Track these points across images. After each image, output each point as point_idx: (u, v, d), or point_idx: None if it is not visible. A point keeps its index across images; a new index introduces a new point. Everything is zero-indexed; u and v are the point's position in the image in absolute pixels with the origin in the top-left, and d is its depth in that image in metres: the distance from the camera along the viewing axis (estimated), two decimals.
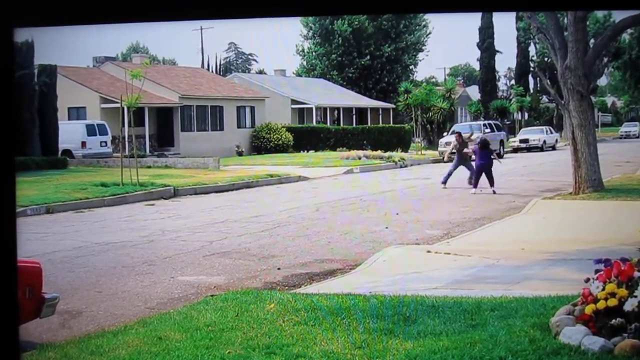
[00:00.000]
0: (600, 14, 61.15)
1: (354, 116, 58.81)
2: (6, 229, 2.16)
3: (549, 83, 28.15)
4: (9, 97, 2.13)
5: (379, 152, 39.41)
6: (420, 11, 2.26)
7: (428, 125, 56.49)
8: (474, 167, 22.63)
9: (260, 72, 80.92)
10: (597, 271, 6.75)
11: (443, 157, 39.76)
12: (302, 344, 6.70)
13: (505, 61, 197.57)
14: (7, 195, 2.15)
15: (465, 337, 6.61)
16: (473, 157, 22.92)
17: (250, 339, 6.93)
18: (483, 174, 22.03)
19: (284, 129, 48.51)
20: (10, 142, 2.13)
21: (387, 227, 15.44)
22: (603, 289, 6.48)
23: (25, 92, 31.35)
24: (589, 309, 6.45)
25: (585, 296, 6.64)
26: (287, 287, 10.17)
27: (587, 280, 6.77)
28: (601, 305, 6.37)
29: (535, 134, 51.52)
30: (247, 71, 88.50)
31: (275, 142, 47.36)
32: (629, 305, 6.26)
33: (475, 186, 22.20)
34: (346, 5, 2.15)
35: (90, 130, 37.78)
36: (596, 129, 25.41)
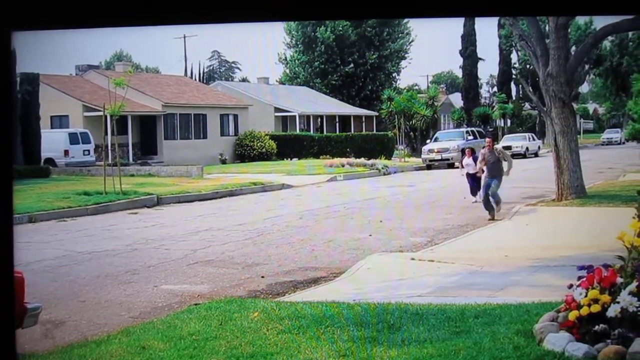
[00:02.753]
0: (581, 21, 61.58)
1: (337, 124, 58.85)
2: (3, 239, 2.14)
3: (531, 90, 28.26)
4: (8, 102, 2.11)
5: (362, 160, 39.48)
6: (405, 16, 2.26)
7: (411, 133, 56.60)
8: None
9: (244, 80, 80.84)
10: (579, 278, 6.78)
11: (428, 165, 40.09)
12: (286, 353, 6.68)
13: (488, 68, 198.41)
14: (4, 206, 2.13)
15: (450, 345, 6.62)
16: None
17: (234, 347, 6.91)
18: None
19: (268, 137, 48.46)
20: (8, 149, 2.11)
21: (370, 235, 15.44)
22: (586, 296, 6.50)
23: None
24: (572, 316, 6.47)
25: (569, 303, 6.66)
26: (271, 296, 10.15)
27: (570, 286, 6.79)
28: (584, 311, 6.40)
29: (517, 141, 51.65)
30: (230, 79, 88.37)
31: (259, 150, 47.30)
32: (612, 312, 6.29)
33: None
34: (331, 10, 2.15)
35: (73, 138, 37.63)
36: (578, 136, 25.55)
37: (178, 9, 2.14)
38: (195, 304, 9.34)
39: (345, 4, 2.17)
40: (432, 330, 7.14)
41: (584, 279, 6.69)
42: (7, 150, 2.15)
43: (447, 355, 6.33)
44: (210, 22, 2.20)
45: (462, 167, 22.01)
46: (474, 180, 20.89)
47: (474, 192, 21.04)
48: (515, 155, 48.90)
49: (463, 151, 22.73)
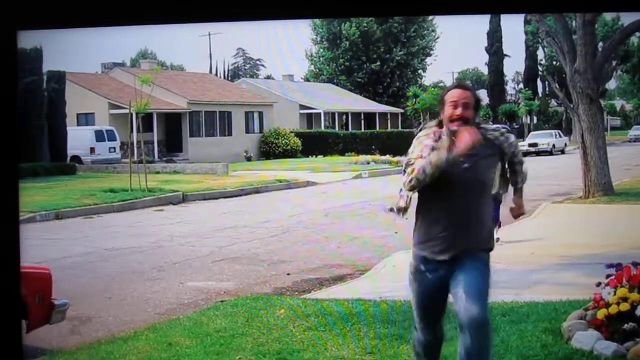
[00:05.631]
0: (608, 17, 61.03)
1: (363, 121, 58.74)
2: (10, 235, 2.15)
3: (558, 87, 28.00)
4: (13, 100, 2.12)
5: (387, 157, 39.36)
6: (430, 13, 2.25)
7: None
8: None
9: (268, 77, 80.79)
10: (608, 275, 6.71)
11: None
12: (313, 350, 6.68)
13: (514, 65, 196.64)
14: (10, 202, 2.14)
15: None
16: None
17: (261, 344, 6.91)
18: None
19: (292, 134, 48.47)
20: (13, 148, 2.11)
21: (396, 232, 15.38)
22: (614, 294, 6.44)
23: (34, 98, 31.42)
24: (600, 314, 6.42)
25: (597, 301, 6.60)
26: (296, 293, 10.16)
27: (599, 284, 6.73)
28: (613, 309, 6.34)
29: (544, 138, 51.24)
30: (255, 76, 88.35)
31: (284, 147, 47.33)
32: None
33: None
34: (354, 7, 2.13)
35: (99, 136, 37.85)
36: (605, 133, 25.33)
37: (200, 7, 2.13)
38: (221, 301, 9.35)
39: (370, 1, 2.15)
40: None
41: (613, 277, 6.63)
42: (12, 148, 2.16)
43: None
44: (229, 20, 2.19)
45: None
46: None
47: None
48: (542, 153, 48.84)
49: None
